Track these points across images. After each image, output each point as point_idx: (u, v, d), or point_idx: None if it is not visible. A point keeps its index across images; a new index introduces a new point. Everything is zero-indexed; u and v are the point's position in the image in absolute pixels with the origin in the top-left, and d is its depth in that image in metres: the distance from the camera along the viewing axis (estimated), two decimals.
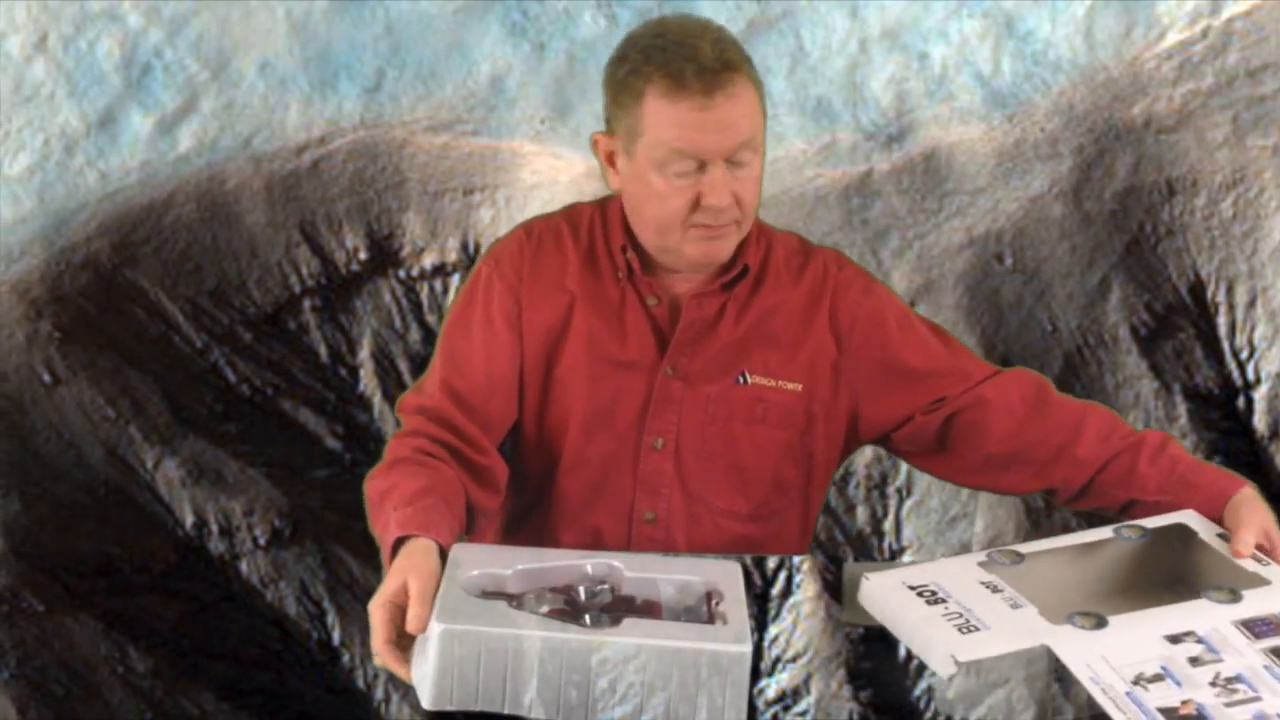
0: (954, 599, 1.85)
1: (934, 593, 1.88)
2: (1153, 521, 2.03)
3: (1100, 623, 1.79)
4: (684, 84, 2.02)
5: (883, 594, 1.89)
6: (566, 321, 2.19)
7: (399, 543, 1.89)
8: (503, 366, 2.19)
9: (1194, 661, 1.72)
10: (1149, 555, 2.02)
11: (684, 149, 2.04)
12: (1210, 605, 1.82)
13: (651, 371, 2.19)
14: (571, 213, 2.28)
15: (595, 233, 2.23)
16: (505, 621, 1.70)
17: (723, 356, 2.19)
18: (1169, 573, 2.01)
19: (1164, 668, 1.71)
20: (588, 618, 1.74)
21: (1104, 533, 2.01)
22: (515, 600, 1.80)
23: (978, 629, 1.79)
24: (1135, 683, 1.68)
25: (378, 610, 1.79)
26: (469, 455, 2.11)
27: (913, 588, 1.89)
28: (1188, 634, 1.76)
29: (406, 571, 1.82)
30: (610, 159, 2.15)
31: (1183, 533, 2.02)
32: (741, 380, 2.19)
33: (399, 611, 1.78)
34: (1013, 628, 1.79)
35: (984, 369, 2.27)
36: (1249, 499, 2.07)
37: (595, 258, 2.21)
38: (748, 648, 1.68)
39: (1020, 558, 1.96)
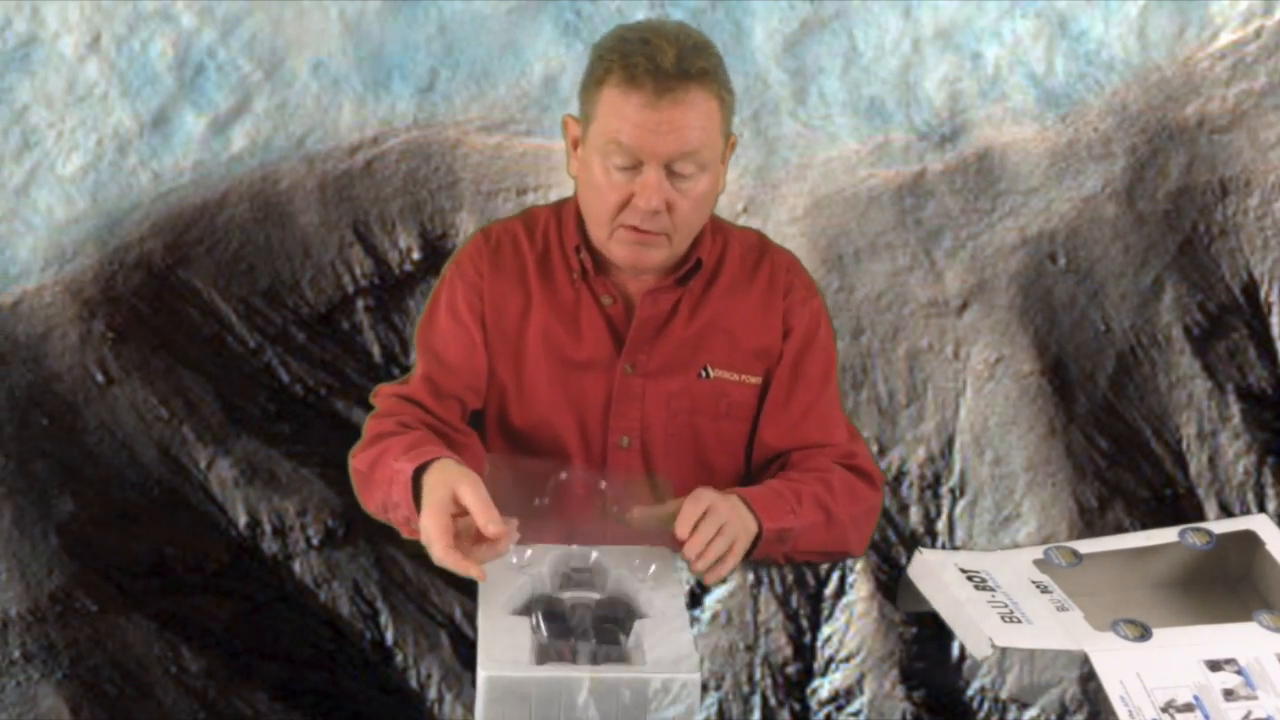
0: (1002, 589, 1.85)
1: (984, 580, 1.88)
2: (1220, 526, 2.01)
3: (1144, 634, 1.78)
4: (636, 79, 2.03)
5: (933, 571, 1.90)
6: (524, 323, 2.20)
7: (418, 475, 1.94)
8: (471, 354, 2.21)
9: (1229, 694, 1.71)
10: (1210, 563, 2.00)
11: (623, 143, 2.04)
12: (1258, 631, 1.81)
13: (609, 370, 2.19)
14: (527, 216, 2.29)
15: (550, 235, 2.24)
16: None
17: (680, 352, 2.19)
18: (1228, 583, 2.00)
19: (1196, 697, 1.70)
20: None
21: (1169, 535, 2.01)
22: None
23: (1020, 621, 1.79)
24: (1165, 710, 1.67)
25: (432, 521, 1.85)
26: (448, 434, 2.15)
27: (964, 570, 1.90)
28: (1229, 661, 1.75)
29: (449, 484, 1.88)
30: (575, 143, 2.16)
31: (1250, 541, 2.00)
32: (704, 374, 2.19)
33: (450, 519, 1.85)
34: (1055, 628, 1.78)
35: (834, 445, 2.24)
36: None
37: (550, 260, 2.22)
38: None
39: (1077, 559, 1.95)
